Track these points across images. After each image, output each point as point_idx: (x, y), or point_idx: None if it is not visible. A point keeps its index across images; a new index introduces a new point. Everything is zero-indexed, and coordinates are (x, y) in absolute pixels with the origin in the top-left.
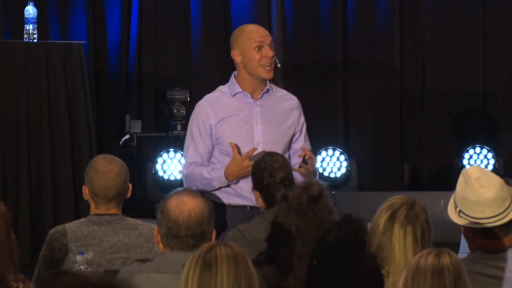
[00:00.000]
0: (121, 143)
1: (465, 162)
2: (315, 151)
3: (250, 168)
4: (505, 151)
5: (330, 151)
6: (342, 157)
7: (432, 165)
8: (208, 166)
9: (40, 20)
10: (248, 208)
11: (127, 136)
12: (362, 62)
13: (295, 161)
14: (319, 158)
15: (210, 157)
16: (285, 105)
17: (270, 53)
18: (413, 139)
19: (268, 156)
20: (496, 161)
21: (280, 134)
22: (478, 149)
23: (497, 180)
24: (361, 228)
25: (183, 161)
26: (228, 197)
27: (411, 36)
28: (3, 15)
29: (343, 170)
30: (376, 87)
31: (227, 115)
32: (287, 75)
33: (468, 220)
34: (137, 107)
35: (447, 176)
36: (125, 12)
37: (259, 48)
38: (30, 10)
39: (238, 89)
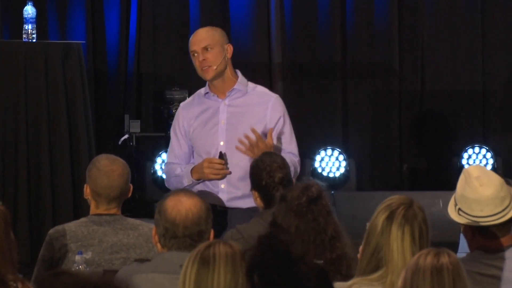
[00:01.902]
0: (120, 142)
1: (464, 162)
2: (314, 150)
3: (207, 170)
4: (504, 150)
5: (329, 151)
6: (341, 157)
7: (431, 165)
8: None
9: (39, 20)
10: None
11: (126, 136)
12: (361, 62)
13: None
14: (318, 158)
15: (190, 157)
16: (257, 105)
17: (200, 58)
18: (411, 139)
19: (266, 156)
20: (495, 160)
21: (243, 134)
22: (477, 149)
23: (497, 179)
24: (289, 240)
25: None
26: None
27: (410, 36)
28: (2, 15)
29: (342, 170)
30: (375, 87)
31: (197, 115)
32: (286, 75)
33: (467, 218)
34: (136, 107)
35: (445, 176)
36: (124, 12)
37: (194, 55)
38: (29, 10)
39: (207, 89)
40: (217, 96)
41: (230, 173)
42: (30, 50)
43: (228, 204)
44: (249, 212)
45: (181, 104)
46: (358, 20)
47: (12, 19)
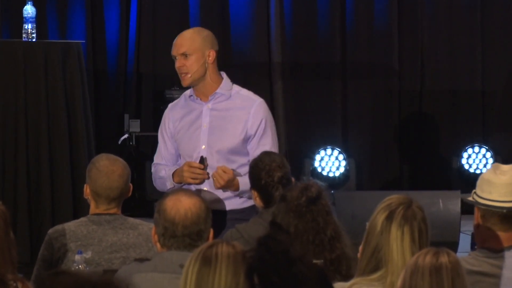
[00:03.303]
0: (119, 142)
1: (463, 161)
2: (314, 150)
3: (186, 174)
4: (503, 150)
5: (328, 151)
6: (341, 157)
7: (431, 165)
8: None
9: (38, 20)
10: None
11: (125, 135)
12: (361, 62)
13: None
14: (317, 157)
15: (177, 159)
16: (240, 109)
17: (177, 64)
18: (411, 138)
19: (265, 156)
20: (495, 160)
21: (226, 138)
22: (476, 149)
23: None
24: (286, 239)
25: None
26: None
27: (410, 36)
28: (2, 15)
29: (342, 170)
30: (375, 87)
31: (181, 117)
32: (286, 75)
33: (476, 199)
34: (135, 107)
35: (445, 176)
36: (124, 11)
37: (174, 59)
38: (29, 10)
39: (191, 92)
40: (200, 99)
41: (208, 178)
42: (30, 49)
43: (211, 206)
44: (231, 214)
45: (169, 104)
46: (357, 20)
47: (11, 18)
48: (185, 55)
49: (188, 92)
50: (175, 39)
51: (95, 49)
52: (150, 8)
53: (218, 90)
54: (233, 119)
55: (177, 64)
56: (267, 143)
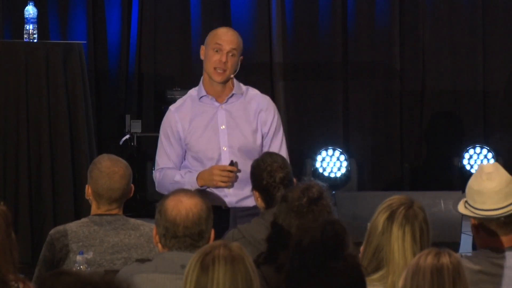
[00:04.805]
0: (121, 143)
1: (465, 162)
2: (315, 150)
3: (217, 178)
4: (505, 151)
5: (330, 151)
6: (342, 157)
7: (432, 165)
8: (180, 170)
9: (40, 20)
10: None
11: (127, 136)
12: (362, 62)
13: None
14: (319, 158)
15: (182, 161)
16: (253, 108)
17: (223, 59)
18: (412, 139)
19: (267, 156)
20: (496, 160)
21: (245, 138)
22: (478, 149)
23: (505, 175)
24: (341, 228)
25: (155, 167)
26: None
27: (411, 36)
28: (3, 15)
29: (343, 170)
30: (376, 87)
31: (193, 120)
32: (287, 75)
33: (470, 210)
34: (137, 107)
35: (446, 176)
36: (125, 12)
37: (218, 50)
38: (30, 10)
39: (203, 92)
40: (215, 100)
41: (237, 180)
42: (31, 50)
43: (237, 204)
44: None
45: (172, 107)
46: (359, 20)
47: (13, 19)
48: (232, 52)
49: (193, 93)
50: (222, 32)
51: (96, 50)
52: (151, 9)
53: (234, 91)
54: (249, 118)
55: (220, 58)
56: (279, 139)
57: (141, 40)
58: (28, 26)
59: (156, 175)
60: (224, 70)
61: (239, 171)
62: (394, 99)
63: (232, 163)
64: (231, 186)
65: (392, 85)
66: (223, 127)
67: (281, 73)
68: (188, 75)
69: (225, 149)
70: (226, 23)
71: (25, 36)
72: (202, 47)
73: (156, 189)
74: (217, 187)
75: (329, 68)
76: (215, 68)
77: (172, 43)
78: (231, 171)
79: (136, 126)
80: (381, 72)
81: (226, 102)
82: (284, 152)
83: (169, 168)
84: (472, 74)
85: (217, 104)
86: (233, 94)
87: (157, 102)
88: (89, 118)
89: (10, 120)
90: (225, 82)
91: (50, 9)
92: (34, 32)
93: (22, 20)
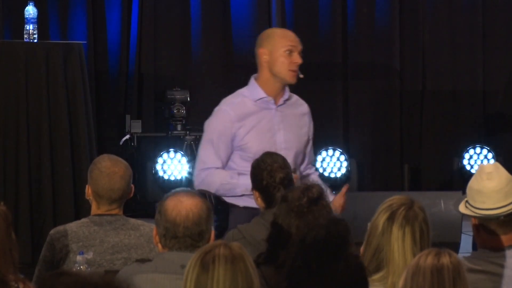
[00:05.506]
0: (121, 143)
1: (465, 162)
2: (315, 151)
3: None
4: (505, 151)
5: (330, 151)
6: (342, 157)
7: (432, 165)
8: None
9: (40, 20)
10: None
11: (127, 136)
12: (362, 62)
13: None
14: (319, 158)
15: (227, 162)
16: (300, 111)
17: (299, 60)
18: (413, 139)
19: (267, 157)
20: (496, 161)
21: (299, 139)
22: (478, 149)
23: (505, 174)
24: (344, 228)
25: (200, 165)
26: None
27: (411, 37)
28: (3, 15)
29: (343, 170)
30: (376, 88)
31: (251, 121)
32: None
33: (470, 210)
34: (137, 107)
35: (447, 176)
36: (125, 12)
37: (290, 52)
38: (30, 10)
39: (261, 93)
40: (274, 102)
41: None
42: (31, 50)
43: None
44: None
45: (225, 106)
46: (359, 20)
47: (13, 19)
48: (301, 54)
49: (246, 93)
50: (290, 33)
51: (96, 50)
52: (151, 9)
53: (287, 93)
54: (300, 122)
55: (297, 60)
56: (311, 143)
57: (141, 40)
58: (28, 26)
59: (201, 173)
60: (295, 71)
61: (296, 174)
62: (394, 99)
63: (294, 170)
64: None
65: (392, 85)
66: (280, 129)
67: None
68: (188, 75)
69: (281, 150)
70: (226, 23)
71: (25, 36)
72: (263, 50)
73: (196, 187)
74: None
75: (329, 68)
76: (290, 70)
77: (172, 43)
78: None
79: (136, 126)
80: (381, 72)
81: (282, 104)
82: (312, 155)
83: (218, 168)
84: (472, 74)
85: (273, 106)
86: (289, 96)
87: (157, 102)
88: (89, 118)
89: (10, 120)
90: None
91: (50, 9)
92: (34, 32)
93: (22, 20)
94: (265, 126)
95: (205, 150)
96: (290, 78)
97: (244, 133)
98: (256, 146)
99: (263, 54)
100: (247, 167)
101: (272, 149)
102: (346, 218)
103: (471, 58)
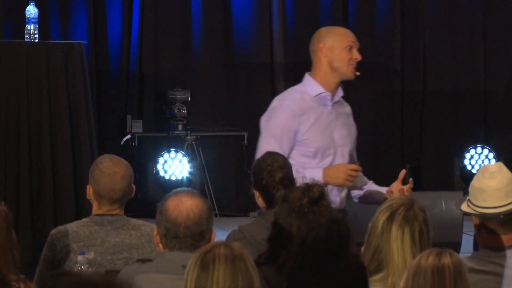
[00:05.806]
0: (122, 143)
1: (466, 162)
2: None
3: (345, 176)
4: (506, 150)
5: None
6: None
7: (433, 165)
8: None
9: (41, 20)
10: None
11: (128, 136)
12: (363, 62)
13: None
14: None
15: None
16: (347, 111)
17: (359, 57)
18: (413, 139)
19: (268, 156)
20: (497, 160)
21: (351, 137)
22: (479, 149)
23: (507, 174)
24: (345, 228)
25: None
26: None
27: (412, 37)
28: (4, 15)
29: None
30: (377, 87)
31: (311, 117)
32: (288, 76)
33: (471, 208)
34: (138, 107)
35: (447, 176)
36: (126, 12)
37: (350, 48)
38: (31, 10)
39: (320, 88)
40: (331, 98)
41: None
42: (32, 50)
43: (340, 206)
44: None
45: (288, 102)
46: (360, 20)
47: (14, 19)
48: (358, 50)
49: (302, 88)
50: (349, 32)
51: (97, 50)
52: (152, 9)
53: (341, 91)
54: (348, 122)
55: (357, 56)
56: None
57: (142, 40)
58: (29, 26)
59: None
60: (356, 67)
61: (362, 171)
62: (394, 99)
63: (361, 163)
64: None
65: (392, 85)
66: (336, 126)
67: (282, 74)
68: (189, 75)
69: (338, 147)
70: (227, 23)
71: (26, 36)
72: (324, 45)
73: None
74: (340, 185)
75: None
76: (350, 65)
77: (173, 43)
78: (356, 170)
79: (137, 126)
80: (382, 73)
81: (336, 101)
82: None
83: None
84: (472, 74)
85: (329, 102)
86: (343, 94)
87: (158, 102)
88: (90, 118)
89: (11, 120)
90: None
91: (51, 9)
92: (35, 32)
93: (23, 20)
94: (324, 122)
95: (268, 144)
96: (350, 73)
97: (306, 129)
98: (317, 142)
99: (323, 49)
100: (307, 163)
101: (331, 145)
102: (347, 218)
103: (471, 58)
